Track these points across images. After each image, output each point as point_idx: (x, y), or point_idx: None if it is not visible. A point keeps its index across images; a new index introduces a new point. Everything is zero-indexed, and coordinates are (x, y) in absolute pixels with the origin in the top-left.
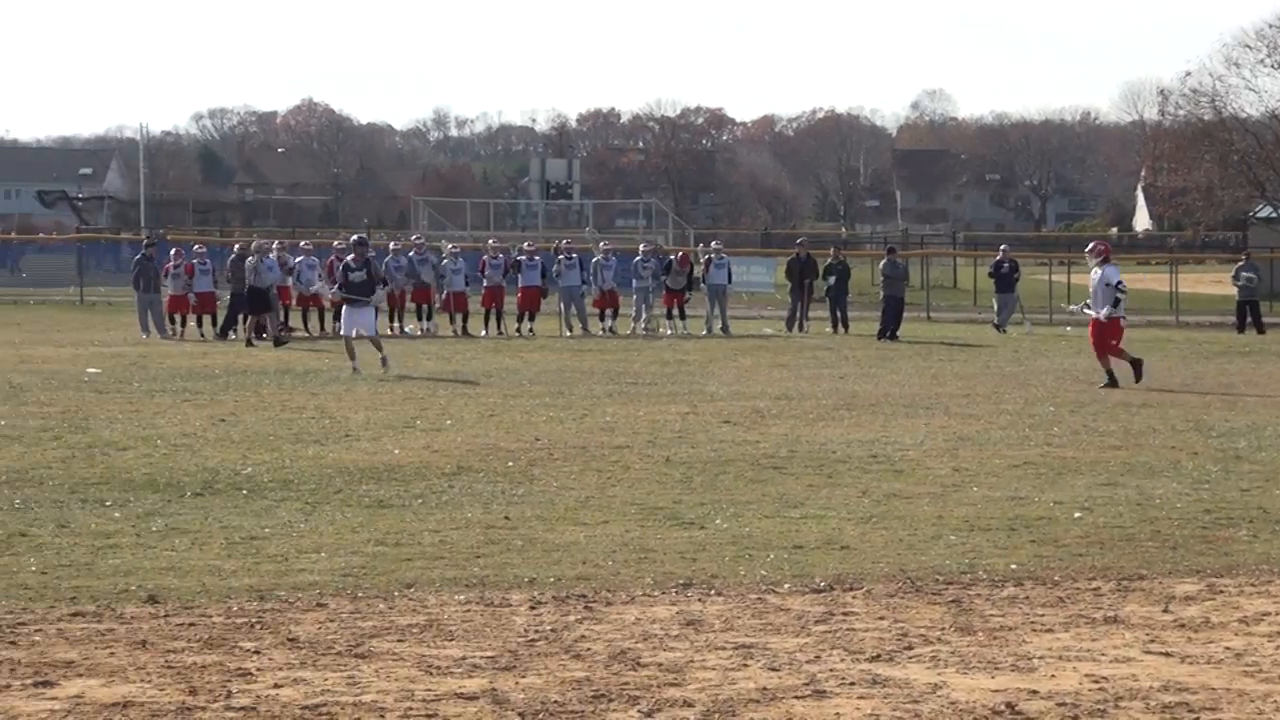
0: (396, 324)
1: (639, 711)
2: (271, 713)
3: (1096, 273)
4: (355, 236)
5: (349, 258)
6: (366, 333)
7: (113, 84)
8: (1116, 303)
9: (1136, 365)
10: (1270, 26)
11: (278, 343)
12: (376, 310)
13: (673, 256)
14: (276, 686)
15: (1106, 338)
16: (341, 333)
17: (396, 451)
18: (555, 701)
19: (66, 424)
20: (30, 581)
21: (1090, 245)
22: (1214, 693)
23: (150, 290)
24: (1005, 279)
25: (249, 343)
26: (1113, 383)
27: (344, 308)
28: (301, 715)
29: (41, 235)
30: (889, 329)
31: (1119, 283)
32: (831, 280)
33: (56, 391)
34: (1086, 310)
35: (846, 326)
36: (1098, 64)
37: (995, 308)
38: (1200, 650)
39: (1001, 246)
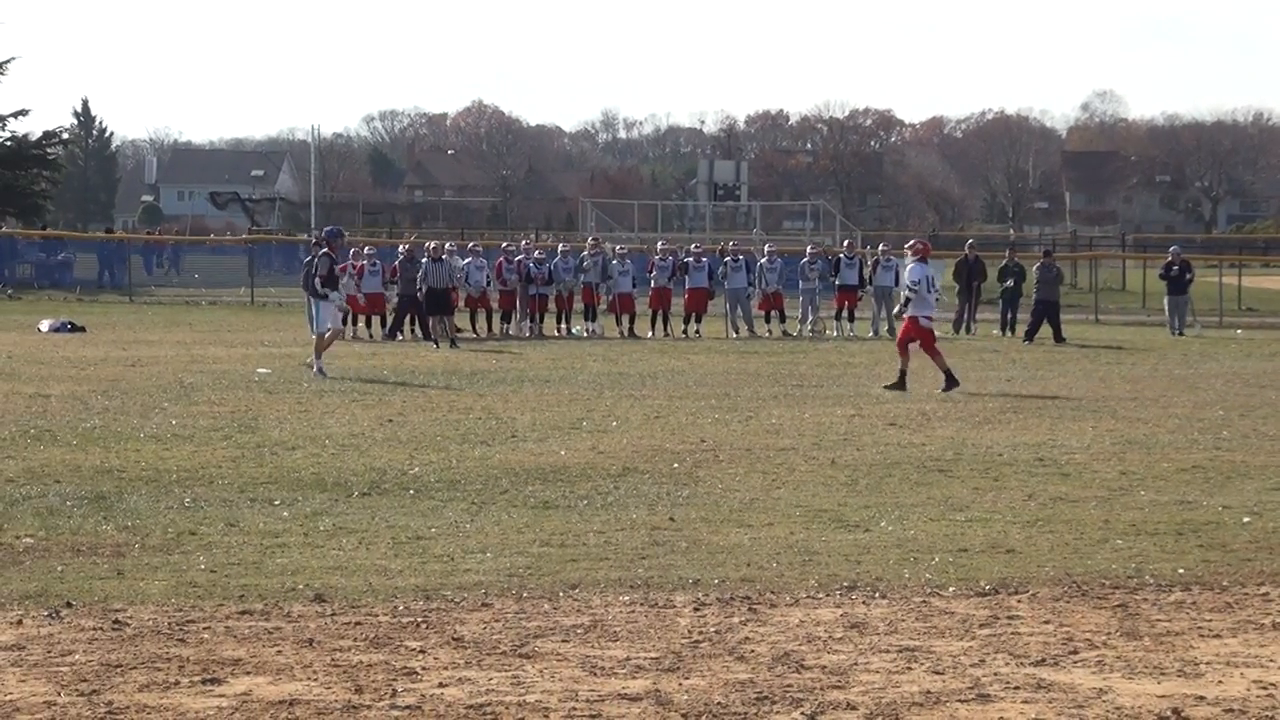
0: (563, 325)
1: (802, 714)
2: (436, 712)
3: (909, 266)
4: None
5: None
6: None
7: (285, 87)
8: (906, 301)
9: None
10: None
11: (452, 344)
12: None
13: (842, 253)
14: (441, 686)
15: (909, 337)
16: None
17: (562, 452)
18: (718, 703)
19: (236, 424)
20: (199, 580)
21: (910, 242)
22: None
23: None
24: (1176, 281)
25: (437, 344)
26: (952, 383)
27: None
28: (466, 715)
29: (213, 236)
30: (1036, 332)
31: (915, 281)
32: (1009, 282)
33: (227, 391)
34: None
35: (1015, 329)
36: (1271, 63)
37: (1166, 311)
38: None
39: (1171, 249)
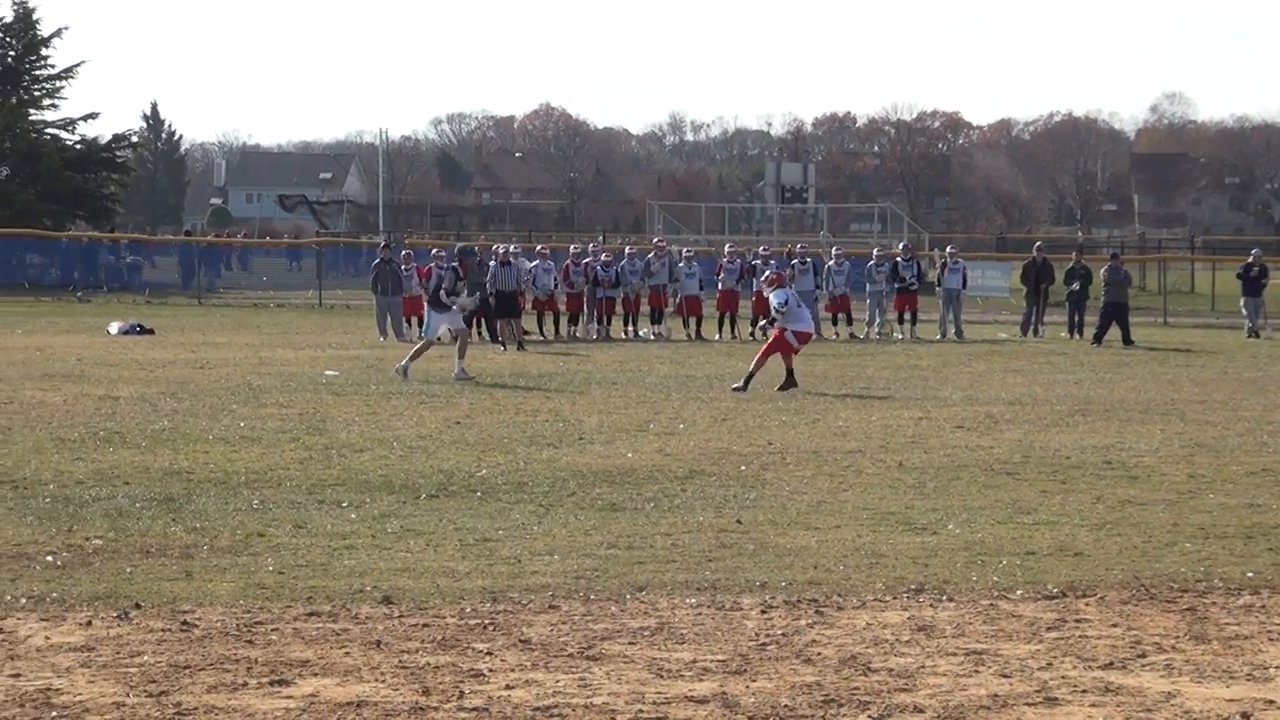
0: (631, 328)
1: (869, 717)
2: (503, 714)
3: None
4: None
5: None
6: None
7: (353, 90)
8: (771, 321)
9: (788, 376)
10: None
11: (520, 346)
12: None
13: (899, 257)
14: (508, 688)
15: (778, 349)
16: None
17: (629, 455)
18: (785, 706)
19: (304, 426)
20: (267, 581)
21: (765, 275)
22: None
23: (388, 293)
24: (1254, 283)
25: (504, 346)
26: (790, 383)
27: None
28: (533, 716)
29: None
30: (1105, 334)
31: (781, 303)
32: (1076, 285)
33: (294, 394)
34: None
35: (1083, 332)
36: None
37: (1244, 313)
38: None
39: (1253, 250)
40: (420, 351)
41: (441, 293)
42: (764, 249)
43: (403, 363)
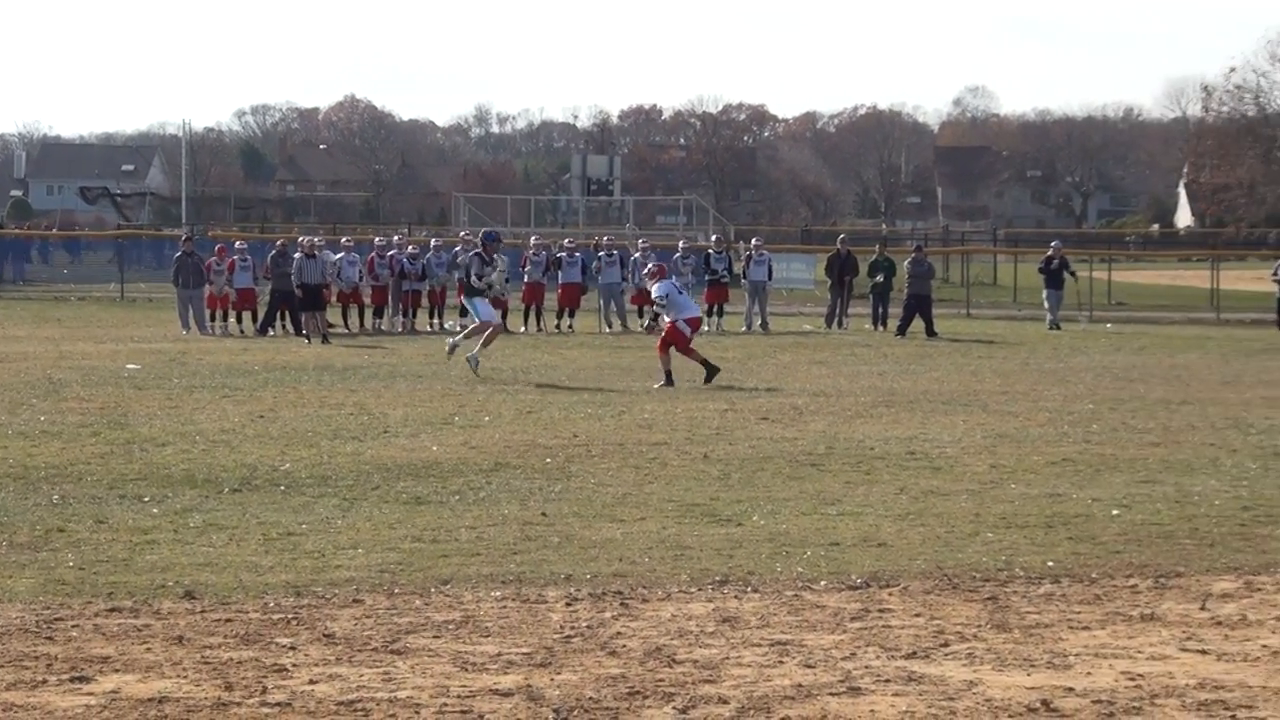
0: (436, 321)
1: (674, 708)
2: (307, 708)
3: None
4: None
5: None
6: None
7: (156, 80)
8: (656, 317)
9: (708, 368)
10: None
11: (324, 339)
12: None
13: (711, 249)
14: (312, 682)
15: (672, 340)
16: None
17: (435, 448)
18: (590, 698)
19: (105, 420)
20: (68, 577)
21: (647, 269)
22: (1250, 690)
23: (190, 286)
24: (1055, 275)
25: (309, 339)
26: (669, 382)
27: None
28: (336, 711)
29: (86, 231)
30: (909, 325)
31: (662, 296)
32: (879, 277)
33: (96, 388)
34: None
35: (886, 324)
36: (1141, 60)
37: (1046, 305)
38: (1237, 648)
39: (1053, 243)
40: (491, 339)
41: (473, 278)
42: (569, 241)
43: (472, 352)
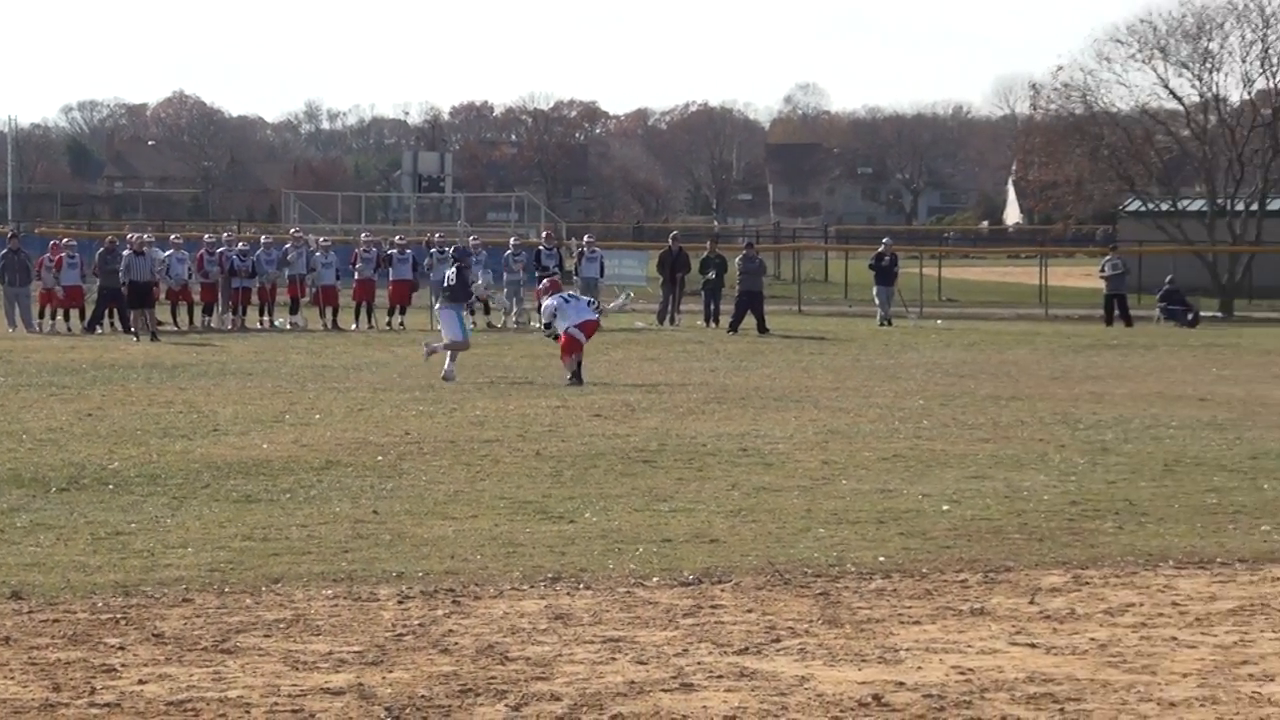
0: (266, 318)
1: (506, 706)
2: (136, 709)
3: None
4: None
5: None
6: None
7: None
8: (548, 326)
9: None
10: (1141, 21)
11: (153, 337)
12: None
13: (541, 245)
14: (141, 683)
15: (569, 349)
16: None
17: (265, 446)
18: (422, 696)
19: None
20: None
21: (540, 285)
22: (1078, 683)
23: (17, 284)
24: (885, 271)
25: (138, 337)
26: (577, 379)
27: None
28: (166, 711)
29: None
30: (740, 321)
31: (552, 309)
32: (711, 274)
33: None
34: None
35: (719, 321)
36: (970, 58)
37: (877, 301)
38: (1065, 641)
39: (884, 240)
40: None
41: (454, 284)
42: (400, 238)
43: (447, 367)
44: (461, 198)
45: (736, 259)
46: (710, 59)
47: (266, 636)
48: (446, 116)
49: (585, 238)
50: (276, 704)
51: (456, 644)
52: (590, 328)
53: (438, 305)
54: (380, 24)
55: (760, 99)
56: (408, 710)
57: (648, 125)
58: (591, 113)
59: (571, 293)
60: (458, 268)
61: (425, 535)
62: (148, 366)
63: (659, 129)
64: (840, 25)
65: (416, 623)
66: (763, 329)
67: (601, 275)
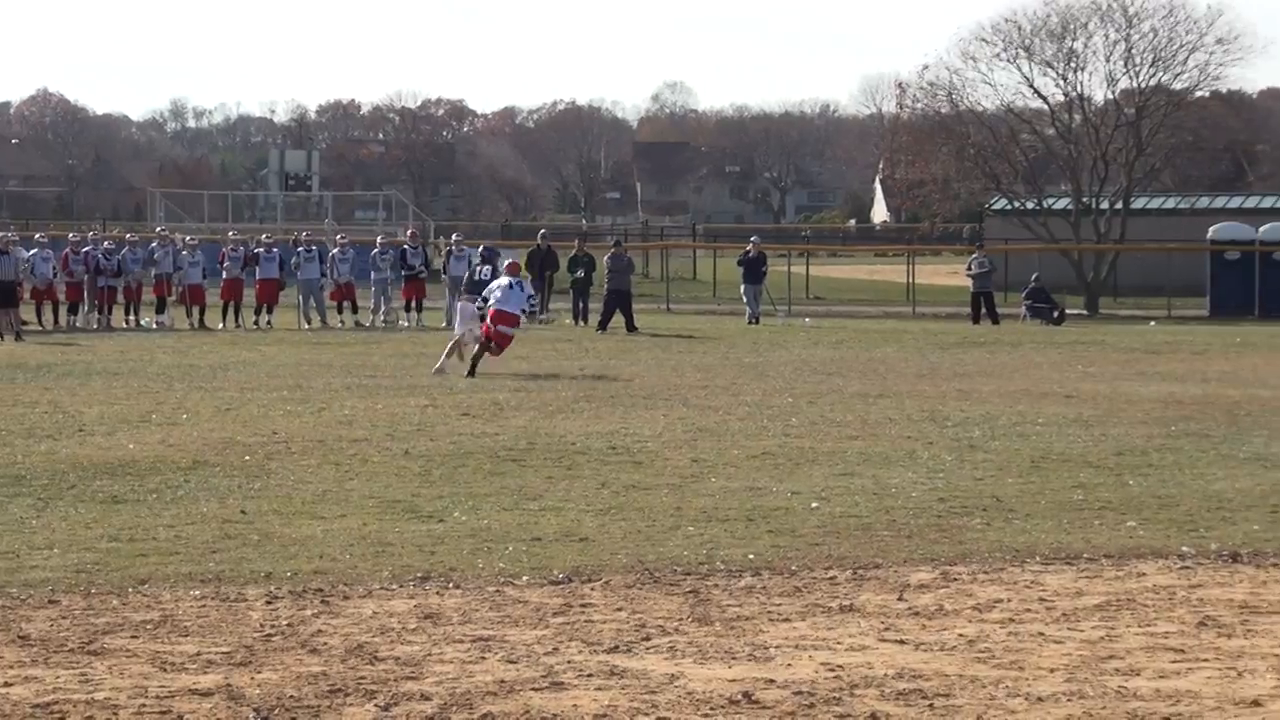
0: (132, 317)
1: (376, 705)
2: (1, 712)
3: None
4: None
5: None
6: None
7: None
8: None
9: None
10: (1006, 21)
11: (17, 337)
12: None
13: (407, 244)
14: (6, 685)
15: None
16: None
17: (131, 446)
18: (291, 696)
19: None
20: None
21: (508, 263)
22: (947, 679)
23: None
24: (753, 270)
25: (1, 337)
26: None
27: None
28: (32, 714)
29: None
30: (610, 320)
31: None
32: (580, 273)
33: None
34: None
35: (587, 319)
36: (837, 57)
37: (745, 300)
38: (934, 637)
39: (752, 238)
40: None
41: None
42: (267, 236)
43: (443, 363)
44: (329, 196)
45: (605, 257)
46: (578, 57)
47: (134, 638)
48: (313, 115)
49: (454, 236)
50: (144, 705)
51: (325, 644)
52: (502, 319)
53: (457, 300)
54: (246, 22)
55: (628, 97)
56: (276, 711)
57: (515, 124)
58: (459, 111)
59: (519, 280)
60: (490, 267)
61: (293, 535)
62: (12, 367)
63: (527, 127)
64: (708, 24)
65: (285, 623)
66: (631, 328)
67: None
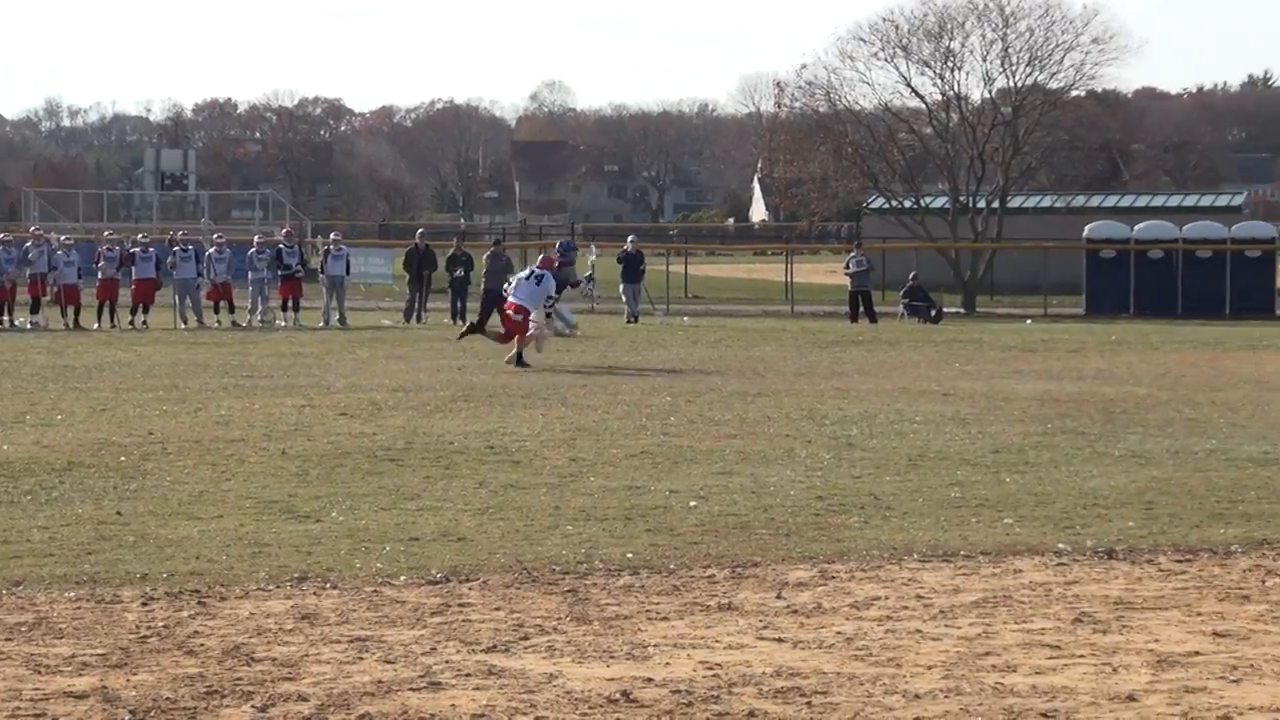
0: (6, 317)
1: (252, 707)
2: None
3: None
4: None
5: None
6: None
7: None
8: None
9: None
10: (884, 20)
11: None
12: None
13: (282, 243)
14: None
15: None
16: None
17: (5, 447)
18: (167, 698)
19: None
20: None
21: (541, 258)
22: (825, 677)
23: None
24: (632, 269)
25: None
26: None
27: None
28: None
29: None
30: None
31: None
32: (459, 272)
33: None
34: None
35: (465, 318)
36: (715, 56)
37: (624, 298)
38: (812, 635)
39: (629, 238)
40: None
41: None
42: (143, 236)
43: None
44: (205, 195)
45: (484, 256)
46: (456, 56)
47: (8, 640)
48: (189, 114)
49: (331, 235)
50: (19, 708)
51: (202, 645)
52: (515, 309)
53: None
54: (122, 20)
55: (506, 96)
56: (152, 713)
57: (393, 123)
58: (336, 110)
59: (542, 274)
60: (561, 263)
61: (170, 536)
62: None
63: (404, 126)
64: (587, 23)
65: (161, 624)
66: None
67: (347, 273)
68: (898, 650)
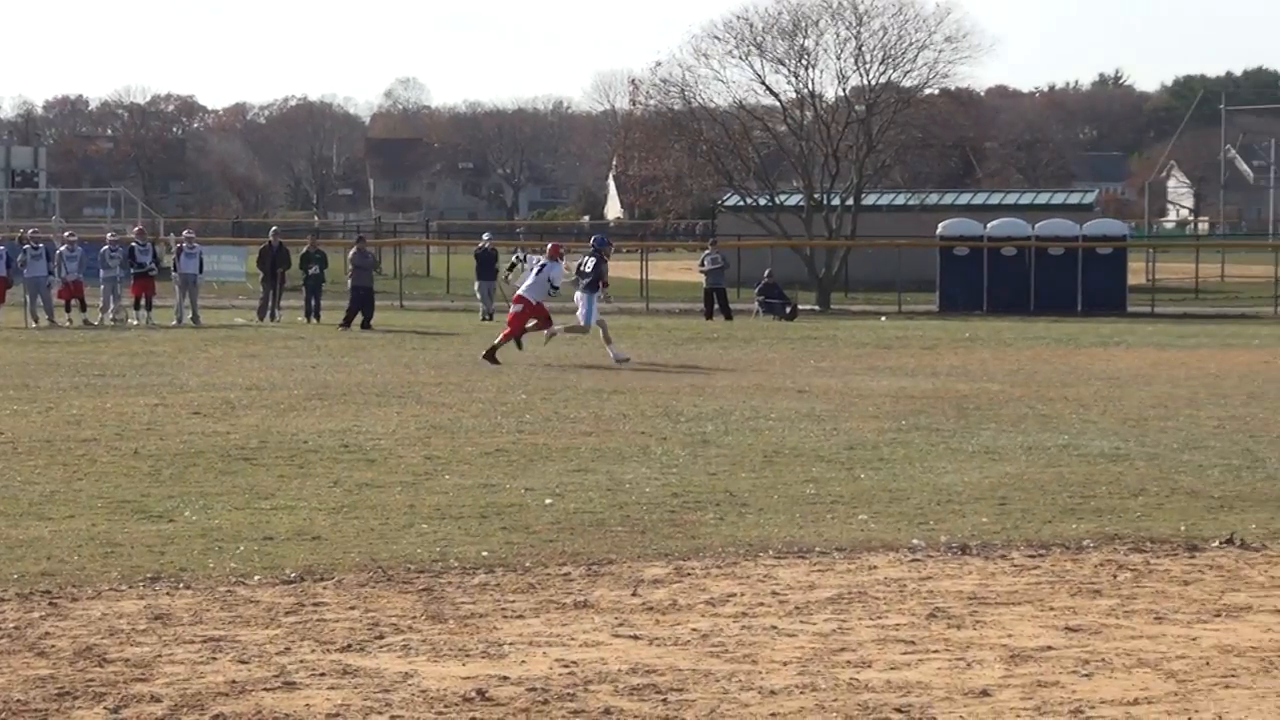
0: None
1: (105, 708)
2: None
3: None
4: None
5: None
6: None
7: None
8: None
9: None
10: (738, 18)
11: None
12: None
13: (134, 241)
14: None
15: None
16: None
17: None
18: (18, 700)
19: None
20: None
21: (550, 246)
22: (681, 673)
23: None
24: (486, 266)
25: None
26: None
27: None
28: None
29: None
30: (354, 318)
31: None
32: (313, 269)
33: None
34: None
35: (319, 315)
36: (570, 54)
37: (478, 296)
38: (668, 632)
39: (484, 235)
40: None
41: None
42: None
43: (612, 351)
44: (56, 193)
45: (350, 254)
46: (310, 53)
47: None
48: (40, 110)
49: (184, 233)
50: None
51: (53, 646)
52: (517, 299)
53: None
54: None
55: (360, 93)
56: (3, 715)
57: (246, 120)
58: (189, 107)
59: (549, 263)
60: (597, 258)
61: (20, 536)
62: None
63: (258, 123)
64: (441, 20)
65: (12, 626)
66: (366, 324)
67: (201, 271)
68: (753, 647)
